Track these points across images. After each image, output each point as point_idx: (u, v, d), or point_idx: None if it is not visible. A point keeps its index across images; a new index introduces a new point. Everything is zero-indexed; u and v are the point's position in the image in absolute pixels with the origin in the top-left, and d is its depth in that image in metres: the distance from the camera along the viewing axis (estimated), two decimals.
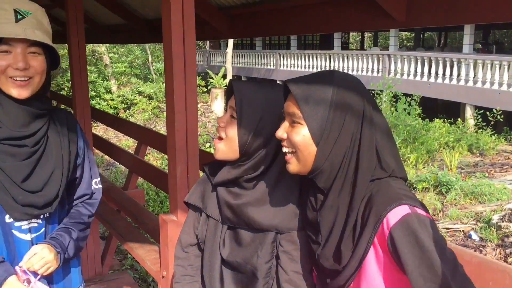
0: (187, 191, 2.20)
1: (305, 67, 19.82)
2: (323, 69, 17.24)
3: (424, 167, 9.89)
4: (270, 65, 21.77)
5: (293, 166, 1.18)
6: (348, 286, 1.16)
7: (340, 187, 1.14)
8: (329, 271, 1.19)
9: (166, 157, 10.44)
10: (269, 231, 1.37)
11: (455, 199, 7.64)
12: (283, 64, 21.05)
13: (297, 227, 1.36)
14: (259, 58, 22.52)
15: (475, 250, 5.63)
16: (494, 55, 16.02)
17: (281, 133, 1.19)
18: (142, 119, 16.30)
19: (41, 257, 1.48)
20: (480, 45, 20.80)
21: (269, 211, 1.36)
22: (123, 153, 4.02)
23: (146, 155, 11.16)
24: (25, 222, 1.50)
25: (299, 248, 1.37)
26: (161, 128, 14.68)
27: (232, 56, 20.95)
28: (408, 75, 15.64)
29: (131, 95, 17.70)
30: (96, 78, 17.45)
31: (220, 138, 1.39)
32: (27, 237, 1.51)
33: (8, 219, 1.47)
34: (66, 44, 3.75)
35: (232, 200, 1.41)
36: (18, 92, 1.39)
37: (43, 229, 1.55)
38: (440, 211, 7.33)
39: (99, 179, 1.75)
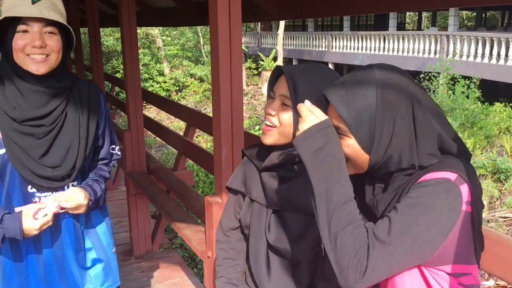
0: (231, 173, 2.21)
1: (358, 49, 19.35)
2: (374, 53, 16.65)
3: (482, 153, 9.47)
4: (322, 47, 21.40)
5: (349, 170, 1.12)
6: None
7: (399, 175, 1.10)
8: None
9: None
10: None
11: None
12: (336, 46, 20.63)
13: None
14: (311, 40, 22.18)
15: None
16: None
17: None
18: (193, 101, 16.55)
19: (76, 200, 1.60)
20: None
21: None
22: (172, 134, 4.09)
23: (197, 137, 11.34)
24: (48, 194, 1.61)
25: None
26: (207, 110, 14.84)
27: (283, 38, 20.75)
28: (468, 56, 14.91)
29: (183, 78, 17.99)
30: (150, 61, 17.83)
31: (270, 125, 1.37)
32: None
33: (30, 189, 1.58)
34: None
35: (279, 184, 1.39)
36: (36, 68, 1.49)
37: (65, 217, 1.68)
38: (497, 199, 7.02)
39: (118, 147, 1.89)
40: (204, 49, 20.64)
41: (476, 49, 14.68)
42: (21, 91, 1.52)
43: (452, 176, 1.01)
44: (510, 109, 12.18)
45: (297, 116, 1.30)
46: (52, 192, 1.62)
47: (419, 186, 1.02)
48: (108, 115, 1.80)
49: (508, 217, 6.33)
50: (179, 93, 17.47)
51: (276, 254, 1.45)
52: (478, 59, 14.55)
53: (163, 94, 16.48)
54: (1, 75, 1.53)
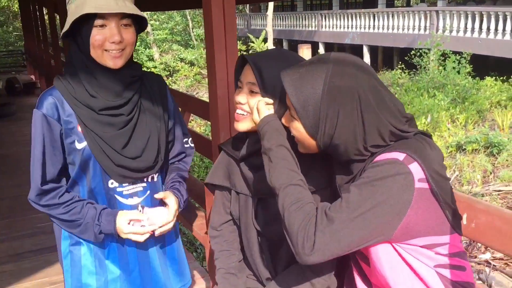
0: None
1: (348, 28, 19.26)
2: (364, 31, 16.70)
3: (474, 128, 9.54)
4: (311, 27, 21.29)
5: (301, 149, 1.22)
6: None
7: (355, 163, 1.15)
8: None
9: (209, 123, 10.54)
10: None
11: (507, 160, 7.36)
12: (325, 25, 20.52)
13: (324, 185, 1.36)
14: (300, 19, 22.04)
15: None
16: None
17: (284, 123, 1.24)
18: (184, 85, 16.47)
19: (169, 224, 1.55)
20: None
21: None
22: None
23: (190, 122, 11.31)
24: (130, 187, 1.55)
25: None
26: (204, 94, 14.80)
27: (272, 19, 20.60)
28: (458, 31, 14.91)
29: (173, 62, 17.87)
30: (139, 46, 17.66)
31: (242, 114, 1.40)
32: (132, 201, 1.57)
33: (111, 184, 1.53)
34: None
35: (258, 172, 1.42)
36: (114, 63, 1.43)
37: (148, 191, 1.60)
38: (491, 173, 7.09)
39: (190, 138, 1.81)
40: (193, 32, 20.46)
41: (466, 24, 14.69)
42: (98, 81, 1.46)
43: (400, 156, 1.05)
44: (501, 83, 12.23)
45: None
46: (133, 185, 1.56)
47: (370, 167, 1.07)
48: (176, 107, 1.73)
49: (502, 191, 6.41)
50: (170, 78, 17.36)
51: (266, 240, 1.47)
52: (468, 34, 14.56)
53: None
54: (75, 66, 1.47)
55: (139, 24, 1.51)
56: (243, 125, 1.40)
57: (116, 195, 1.54)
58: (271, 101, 1.31)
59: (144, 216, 1.52)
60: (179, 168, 1.75)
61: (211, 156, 2.76)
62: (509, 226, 1.41)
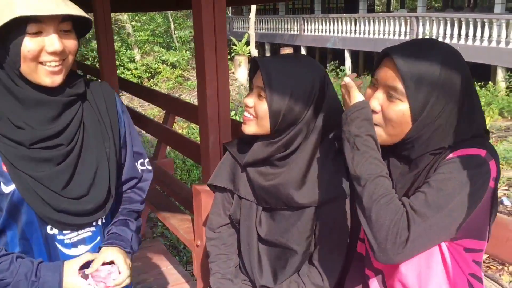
0: (219, 160, 2.18)
1: (330, 32, 19.40)
2: (345, 36, 16.66)
3: None
4: (293, 30, 21.37)
5: (377, 137, 1.12)
6: None
7: (426, 156, 1.10)
8: None
9: (192, 125, 10.39)
10: (309, 207, 1.35)
11: None
12: (307, 29, 20.63)
13: (335, 197, 1.33)
14: (283, 23, 22.12)
15: (508, 216, 5.53)
16: None
17: (375, 105, 1.12)
18: (166, 87, 16.33)
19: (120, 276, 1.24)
20: None
21: (308, 188, 1.33)
22: (152, 123, 4.03)
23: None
24: (74, 234, 1.26)
25: (340, 218, 1.35)
26: (186, 96, 14.70)
27: (255, 22, 20.61)
28: (437, 37, 15.13)
29: (155, 64, 17.71)
30: (120, 47, 17.46)
31: (248, 116, 1.37)
32: (77, 251, 1.27)
33: (50, 230, 1.23)
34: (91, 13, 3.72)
35: (265, 182, 1.38)
36: (52, 80, 1.15)
37: (99, 237, 1.32)
38: None
39: (147, 159, 1.47)
40: (175, 34, 20.33)
41: (445, 30, 14.93)
42: (25, 105, 1.16)
43: (482, 152, 1.02)
44: (478, 88, 12.45)
45: (272, 107, 1.29)
46: (78, 231, 1.26)
47: (451, 162, 1.02)
48: (129, 120, 1.41)
49: None
50: (151, 80, 17.20)
51: (267, 246, 1.45)
52: (447, 40, 14.79)
53: (135, 81, 16.21)
54: None
55: (79, 29, 1.22)
56: (249, 129, 1.36)
57: (57, 244, 1.24)
58: (360, 82, 1.23)
59: (93, 256, 1.23)
60: (131, 199, 1.43)
61: (198, 160, 2.72)
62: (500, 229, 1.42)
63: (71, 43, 1.17)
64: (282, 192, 1.35)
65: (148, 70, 17.53)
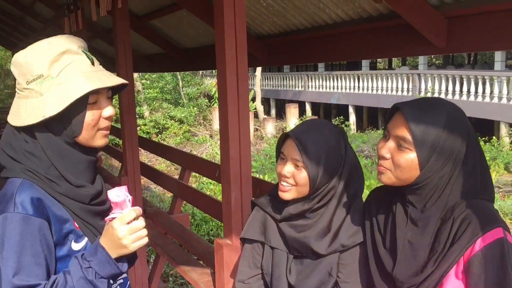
0: (241, 216, 2.30)
1: (333, 88, 19.87)
2: (349, 92, 17.02)
3: None
4: (298, 87, 21.91)
5: (386, 179, 1.26)
6: None
7: (433, 205, 1.21)
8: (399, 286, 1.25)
9: (202, 179, 10.37)
10: (333, 253, 1.47)
11: None
12: (311, 85, 21.16)
13: (356, 242, 1.46)
14: (287, 80, 22.72)
15: None
16: None
17: (385, 152, 1.25)
18: (173, 143, 16.59)
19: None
20: None
21: (332, 237, 1.47)
22: (168, 178, 4.17)
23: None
24: (119, 280, 1.38)
25: (357, 261, 1.47)
26: (194, 152, 14.89)
27: (260, 79, 21.19)
28: (439, 93, 15.50)
29: (163, 120, 18.07)
30: None
31: (288, 184, 1.50)
32: None
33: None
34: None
35: (297, 233, 1.52)
36: (105, 141, 1.28)
37: (128, 283, 1.45)
38: None
39: None
40: (183, 91, 20.87)
41: (447, 86, 15.30)
42: (79, 167, 1.25)
43: (503, 232, 1.14)
44: (483, 143, 12.61)
45: (311, 174, 1.44)
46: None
47: (485, 258, 1.13)
48: None
49: None
50: (160, 135, 17.51)
51: None
52: (449, 96, 15.13)
53: (143, 136, 16.48)
54: (43, 155, 1.21)
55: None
56: (289, 195, 1.50)
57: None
58: None
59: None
60: None
61: (218, 215, 2.83)
62: None
63: (113, 109, 1.30)
64: (310, 243, 1.48)
65: (156, 126, 17.87)
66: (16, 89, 1.24)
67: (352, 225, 1.47)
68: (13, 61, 1.22)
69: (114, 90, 1.32)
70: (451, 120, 1.19)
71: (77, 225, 1.25)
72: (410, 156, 1.19)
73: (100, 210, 1.31)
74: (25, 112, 1.19)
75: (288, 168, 1.49)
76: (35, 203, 1.16)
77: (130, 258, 1.31)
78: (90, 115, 1.22)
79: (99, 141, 1.26)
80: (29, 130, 1.20)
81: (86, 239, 1.27)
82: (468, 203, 1.19)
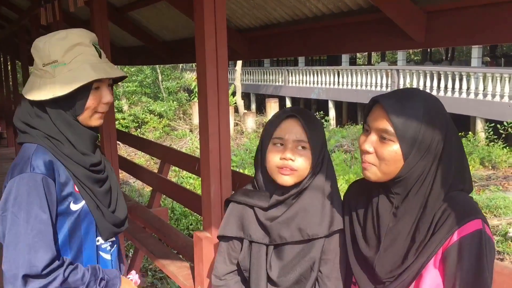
0: (220, 209, 2.29)
1: (313, 83, 19.97)
2: (329, 87, 17.18)
3: None
4: (278, 82, 21.94)
5: (372, 174, 1.25)
6: None
7: (415, 195, 1.22)
8: (378, 281, 1.26)
9: (182, 173, 10.34)
10: (316, 239, 1.48)
11: None
12: (292, 80, 21.21)
13: (340, 229, 1.47)
14: (268, 75, 22.73)
15: None
16: (503, 68, 16.09)
17: (368, 147, 1.24)
18: (153, 137, 16.46)
19: None
20: (489, 58, 20.86)
21: (315, 218, 1.48)
22: (147, 172, 4.13)
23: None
24: (109, 242, 1.58)
25: (338, 257, 1.49)
26: (172, 145, 14.80)
27: (240, 74, 21.15)
28: None
29: (142, 114, 17.92)
30: None
31: (291, 169, 1.48)
32: (108, 256, 1.59)
33: (97, 242, 1.53)
34: None
35: (277, 218, 1.51)
36: (101, 121, 1.49)
37: (116, 245, 1.65)
38: None
39: None
40: (162, 85, 20.70)
41: (425, 82, 15.52)
42: (83, 139, 1.46)
43: (481, 224, 1.16)
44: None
45: (313, 157, 1.47)
46: (110, 240, 1.59)
47: (462, 248, 1.15)
48: None
49: None
50: (139, 130, 17.35)
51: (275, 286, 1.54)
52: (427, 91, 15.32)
53: (122, 130, 16.31)
54: (56, 126, 1.42)
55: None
56: (291, 180, 1.49)
57: (101, 252, 1.55)
58: None
59: None
60: None
61: (199, 210, 2.80)
62: None
63: (111, 96, 1.50)
64: (296, 221, 1.48)
65: (135, 120, 17.71)
66: (33, 68, 1.44)
67: (334, 211, 1.48)
68: (33, 45, 1.43)
69: (114, 80, 1.53)
70: (430, 109, 1.20)
71: (76, 189, 1.44)
72: (394, 148, 1.20)
73: (99, 178, 1.50)
74: (38, 88, 1.39)
75: (291, 151, 1.49)
76: (47, 165, 1.38)
77: None
78: (92, 99, 1.42)
79: (96, 121, 1.47)
80: (41, 104, 1.41)
81: (83, 202, 1.46)
82: (448, 194, 1.21)
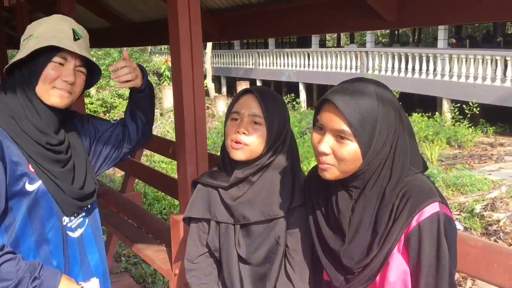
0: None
1: (284, 66, 19.97)
2: (299, 70, 17.16)
3: None
4: (249, 65, 21.85)
5: (331, 175, 1.23)
6: (370, 284, 1.25)
7: (373, 187, 1.22)
8: (348, 271, 1.27)
9: (154, 157, 10.19)
10: (279, 218, 1.49)
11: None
12: (262, 63, 21.16)
13: (301, 204, 1.48)
14: (238, 57, 22.59)
15: None
16: (468, 49, 16.44)
17: (325, 148, 1.20)
18: None
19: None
20: (454, 40, 21.27)
21: (276, 197, 1.50)
22: None
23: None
24: (75, 219, 1.58)
25: (302, 225, 1.49)
26: None
27: (211, 57, 20.94)
28: (386, 71, 15.92)
29: (111, 98, 17.56)
30: None
31: (243, 143, 1.47)
32: (77, 233, 1.60)
33: (63, 222, 1.53)
34: None
35: (240, 198, 1.52)
36: (60, 100, 1.46)
37: (87, 220, 1.64)
38: None
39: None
40: None
41: (393, 64, 15.74)
42: (42, 116, 1.46)
43: (439, 206, 1.17)
44: (426, 119, 13.11)
45: (269, 132, 1.46)
46: (77, 217, 1.59)
47: (422, 232, 1.16)
48: (88, 120, 1.75)
49: None
50: (107, 114, 17.01)
51: (247, 265, 1.55)
52: (395, 73, 15.59)
53: (91, 115, 15.99)
54: (14, 99, 1.44)
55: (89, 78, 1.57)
56: (243, 155, 1.48)
57: (67, 232, 1.56)
58: None
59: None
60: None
61: (172, 192, 2.79)
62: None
63: (80, 81, 1.52)
64: (257, 202, 1.49)
65: (104, 105, 17.34)
66: None
67: (295, 189, 1.49)
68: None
69: (90, 83, 1.59)
70: (383, 100, 1.18)
71: (32, 169, 1.43)
72: (352, 148, 1.18)
73: (58, 158, 1.50)
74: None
75: (245, 124, 1.49)
76: None
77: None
78: (49, 70, 1.43)
79: (53, 98, 1.45)
80: (7, 78, 1.47)
81: (40, 182, 1.44)
82: (404, 180, 1.21)
